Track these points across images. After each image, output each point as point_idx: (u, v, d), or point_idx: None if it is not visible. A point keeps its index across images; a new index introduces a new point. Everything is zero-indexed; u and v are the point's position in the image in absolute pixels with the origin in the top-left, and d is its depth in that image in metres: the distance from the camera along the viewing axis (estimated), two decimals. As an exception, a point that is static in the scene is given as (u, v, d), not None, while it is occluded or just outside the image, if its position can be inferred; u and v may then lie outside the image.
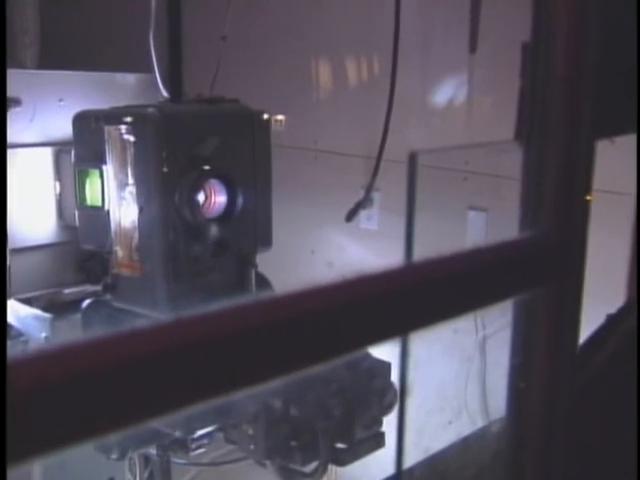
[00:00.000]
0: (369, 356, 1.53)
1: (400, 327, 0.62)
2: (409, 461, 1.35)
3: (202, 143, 1.60)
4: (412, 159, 0.91)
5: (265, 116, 1.75)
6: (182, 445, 1.64)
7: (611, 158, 1.46)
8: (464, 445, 1.33)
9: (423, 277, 0.62)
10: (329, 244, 2.57)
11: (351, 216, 2.38)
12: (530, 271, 0.67)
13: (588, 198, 0.75)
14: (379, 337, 0.61)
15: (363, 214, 2.42)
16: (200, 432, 1.59)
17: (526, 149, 0.72)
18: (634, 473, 1.04)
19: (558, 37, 0.69)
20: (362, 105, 2.51)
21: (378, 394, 1.51)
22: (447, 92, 2.31)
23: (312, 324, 0.56)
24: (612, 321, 1.10)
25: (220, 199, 1.61)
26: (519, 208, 0.73)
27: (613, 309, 1.18)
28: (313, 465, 1.51)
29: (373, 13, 2.43)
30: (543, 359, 0.70)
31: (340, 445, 1.50)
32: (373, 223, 2.43)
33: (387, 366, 1.55)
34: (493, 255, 0.65)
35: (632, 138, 1.15)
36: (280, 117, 2.44)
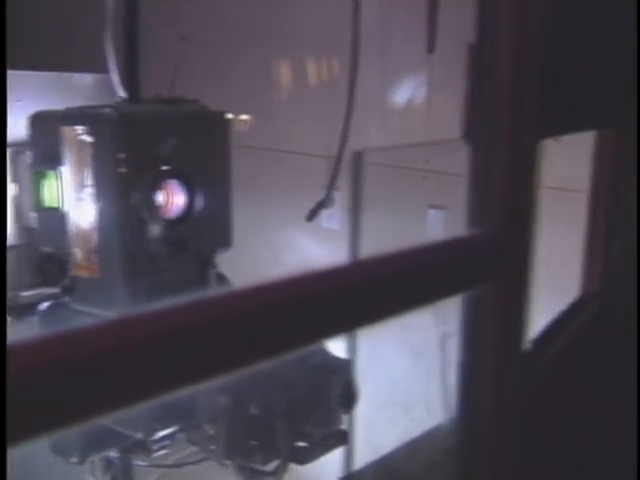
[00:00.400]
0: (328, 354, 1.54)
1: (347, 324, 0.63)
2: (374, 456, 1.37)
3: (161, 144, 1.60)
4: (357, 158, 0.93)
5: (225, 116, 1.75)
6: (143, 447, 1.64)
7: (573, 158, 1.49)
8: (416, 444, 1.34)
9: (370, 274, 0.63)
10: (292, 244, 2.58)
11: (312, 216, 2.39)
12: (477, 268, 0.69)
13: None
14: (326, 333, 0.61)
15: (325, 214, 2.42)
16: (161, 433, 1.58)
17: (473, 148, 0.73)
18: (586, 469, 1.06)
19: (502, 38, 0.71)
20: (323, 105, 2.52)
21: (338, 392, 1.52)
22: (406, 91, 2.33)
23: (259, 321, 0.57)
24: (564, 316, 1.13)
25: (179, 200, 1.61)
26: (467, 206, 0.75)
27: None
28: (275, 464, 1.52)
29: (334, 13, 2.44)
30: (490, 355, 0.72)
31: (300, 444, 1.50)
32: (335, 222, 2.44)
33: (347, 364, 1.56)
34: (440, 252, 0.67)
35: (587, 139, 1.18)
36: (245, 117, 2.44)
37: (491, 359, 0.71)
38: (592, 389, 1.09)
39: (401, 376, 2.32)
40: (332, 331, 0.62)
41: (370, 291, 0.62)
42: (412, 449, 1.27)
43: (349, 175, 2.31)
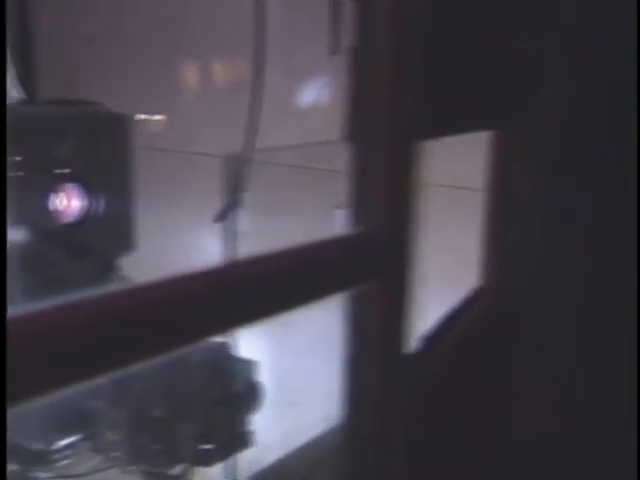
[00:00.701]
0: (232, 355, 1.53)
1: (228, 322, 0.63)
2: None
3: (59, 146, 1.56)
4: (228, 161, 0.93)
5: (127, 118, 1.72)
6: (44, 458, 1.59)
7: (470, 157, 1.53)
8: (306, 447, 1.35)
9: (252, 273, 0.63)
10: (201, 246, 2.55)
11: (220, 217, 2.37)
12: (356, 267, 0.70)
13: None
14: (207, 332, 0.61)
15: (232, 215, 2.41)
16: (61, 443, 1.54)
17: (354, 149, 0.75)
18: (477, 467, 1.08)
19: (379, 40, 0.72)
20: (232, 106, 2.51)
21: (243, 393, 1.51)
22: (313, 92, 2.34)
23: (137, 321, 0.57)
24: (456, 312, 1.15)
25: (77, 203, 1.57)
26: (350, 206, 0.76)
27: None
28: (181, 467, 1.50)
29: (243, 14, 2.42)
30: (374, 355, 0.73)
31: (205, 446, 1.49)
32: (243, 224, 2.42)
33: (252, 365, 1.55)
34: (321, 252, 0.67)
35: (482, 140, 1.20)
36: (158, 117, 2.40)
37: (375, 358, 0.72)
38: (483, 387, 1.11)
39: (295, 374, 2.34)
40: (213, 330, 0.63)
41: (251, 290, 0.62)
42: (302, 452, 1.28)
43: (257, 176, 2.31)
